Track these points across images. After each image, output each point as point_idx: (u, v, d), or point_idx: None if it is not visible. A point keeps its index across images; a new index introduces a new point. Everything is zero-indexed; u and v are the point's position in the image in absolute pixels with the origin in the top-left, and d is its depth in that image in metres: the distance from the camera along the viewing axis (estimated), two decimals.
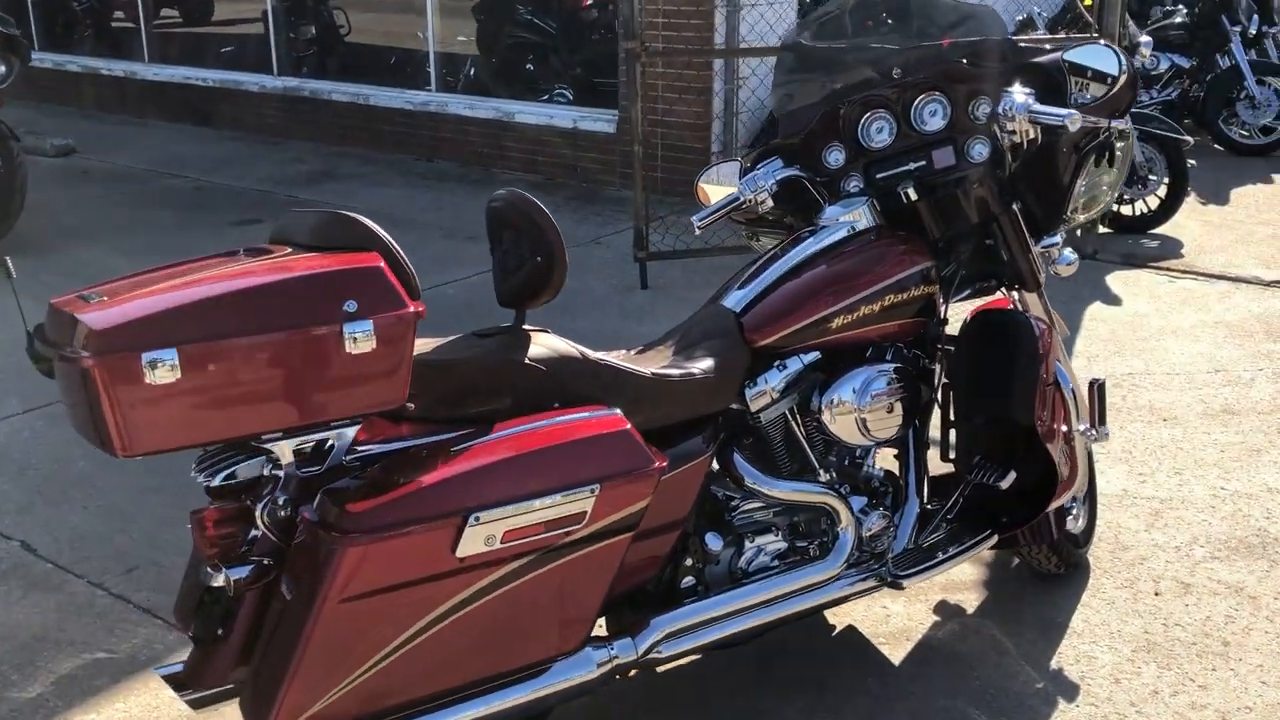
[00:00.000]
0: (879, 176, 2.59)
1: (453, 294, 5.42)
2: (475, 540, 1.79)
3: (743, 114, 7.23)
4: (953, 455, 2.66)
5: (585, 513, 1.89)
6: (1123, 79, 2.36)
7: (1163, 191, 5.99)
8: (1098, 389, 2.58)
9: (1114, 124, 2.29)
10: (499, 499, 1.81)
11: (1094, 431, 2.58)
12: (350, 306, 1.74)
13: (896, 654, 2.66)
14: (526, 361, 2.04)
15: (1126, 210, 6.07)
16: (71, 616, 2.80)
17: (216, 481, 1.89)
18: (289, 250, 1.89)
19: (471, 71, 8.90)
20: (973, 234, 2.61)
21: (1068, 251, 2.68)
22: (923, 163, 2.55)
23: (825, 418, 2.38)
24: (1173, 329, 4.67)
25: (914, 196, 2.55)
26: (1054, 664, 2.61)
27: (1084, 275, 5.45)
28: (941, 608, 2.82)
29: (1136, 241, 5.97)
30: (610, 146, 7.53)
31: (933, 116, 2.53)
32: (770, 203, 2.61)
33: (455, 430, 1.98)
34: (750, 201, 2.61)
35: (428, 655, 1.83)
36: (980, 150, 2.51)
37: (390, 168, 8.23)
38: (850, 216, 2.54)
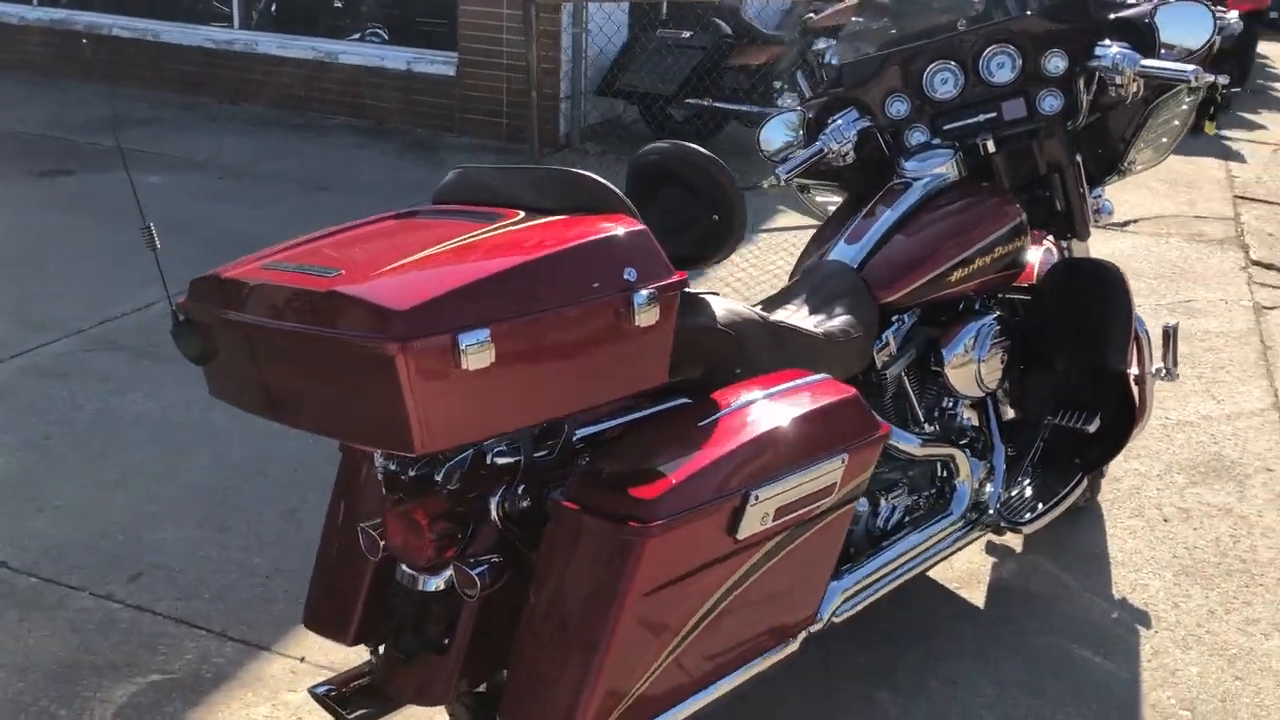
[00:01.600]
0: (946, 128, 2.60)
1: None
2: (754, 520, 1.69)
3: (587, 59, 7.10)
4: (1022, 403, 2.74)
5: (835, 484, 1.81)
6: (1216, 39, 2.47)
7: None
8: (1173, 332, 2.72)
9: (1221, 80, 2.40)
10: (772, 475, 1.70)
11: (1167, 372, 2.72)
12: (630, 275, 1.58)
13: (976, 597, 2.73)
14: (719, 327, 1.93)
15: None
16: (95, 636, 2.43)
17: (440, 474, 1.69)
18: (520, 214, 1.69)
19: (272, 7, 8.26)
20: (1032, 185, 2.68)
21: (1107, 201, 2.79)
22: (993, 114, 2.57)
23: (948, 370, 2.39)
24: None
25: (992, 149, 2.58)
26: (1116, 594, 2.76)
27: None
28: (993, 549, 2.92)
29: None
30: (449, 90, 7.20)
31: (1000, 69, 2.56)
32: (853, 154, 2.57)
33: (657, 403, 1.85)
34: (833, 153, 2.56)
35: (701, 643, 1.71)
36: (1052, 103, 2.55)
37: (190, 112, 7.54)
38: (943, 169, 2.54)
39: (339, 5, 8.28)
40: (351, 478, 1.96)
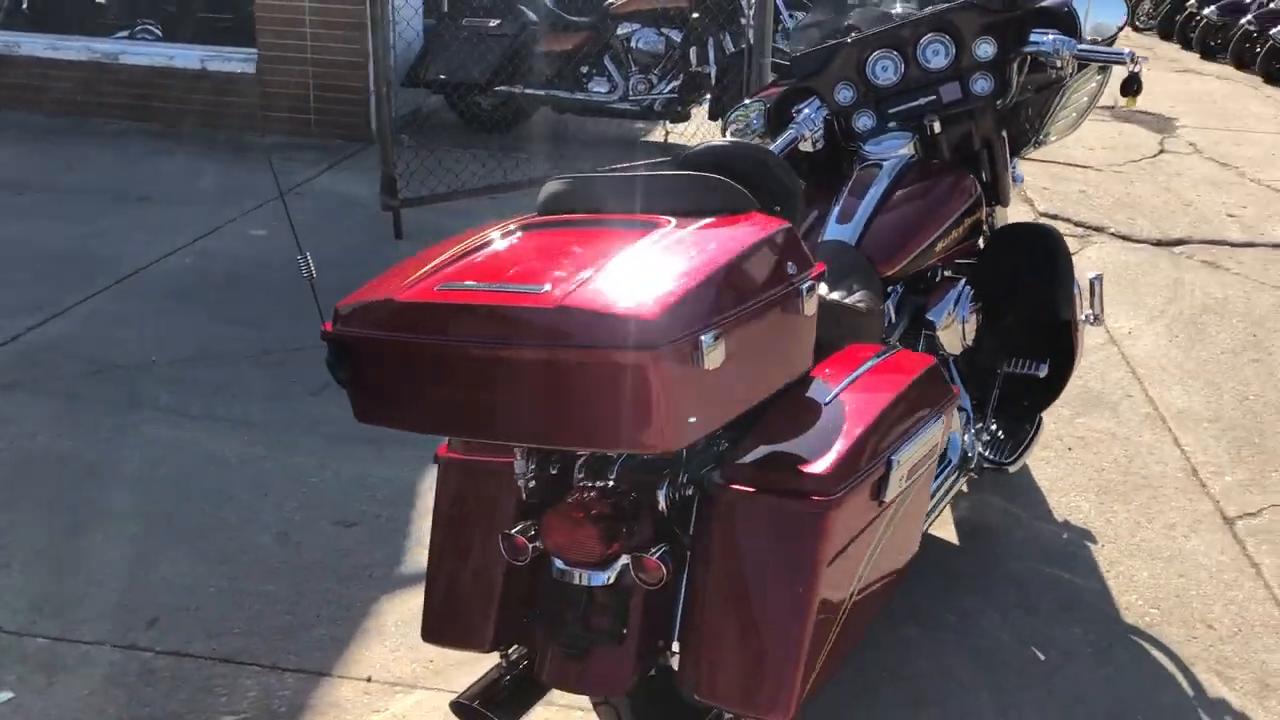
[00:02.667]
0: (891, 112, 2.85)
1: (193, 263, 4.80)
2: (895, 483, 1.85)
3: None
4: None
5: (938, 442, 2.01)
6: (1125, 22, 2.82)
7: None
8: (1097, 282, 3.07)
9: (1141, 60, 2.74)
10: (905, 441, 1.88)
11: (1095, 318, 3.07)
12: (791, 269, 1.71)
13: (951, 537, 3.02)
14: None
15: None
16: (141, 688, 2.31)
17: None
18: (670, 219, 1.77)
19: (23, 4, 7.60)
20: (965, 159, 2.97)
21: (1020, 171, 3.14)
22: (932, 98, 2.84)
23: (940, 332, 2.64)
24: None
25: (938, 129, 2.85)
26: (1059, 518, 3.12)
27: None
28: None
29: None
30: (250, 88, 6.89)
31: (936, 55, 2.82)
32: (822, 140, 2.78)
33: None
34: (805, 140, 2.76)
35: (857, 603, 1.86)
36: (984, 85, 2.84)
37: None
38: (906, 150, 2.78)
39: (102, 1, 7.72)
40: (464, 492, 1.98)
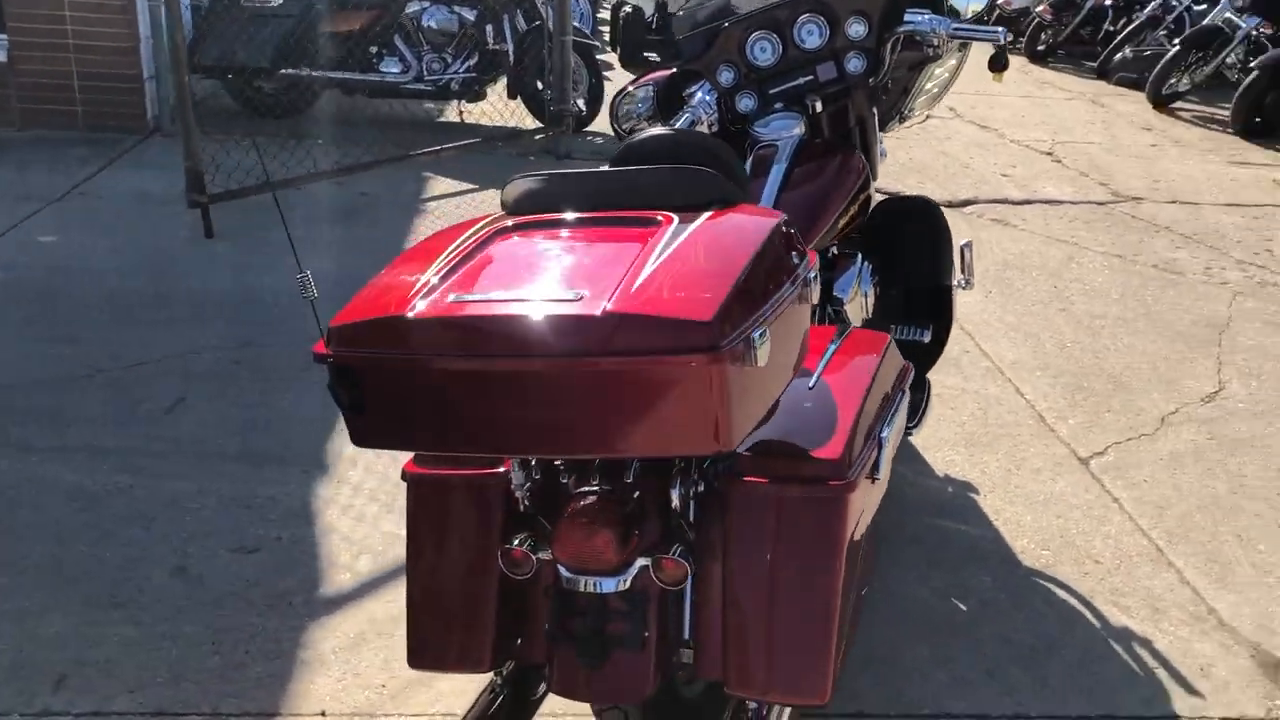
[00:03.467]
0: (772, 92, 2.91)
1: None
2: (886, 460, 1.91)
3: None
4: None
5: (905, 415, 2.08)
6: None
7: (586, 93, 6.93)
8: (967, 249, 3.23)
9: (1006, 36, 2.90)
10: (887, 418, 1.93)
11: (966, 282, 3.23)
12: (795, 258, 1.73)
13: None
14: None
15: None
16: None
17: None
18: (674, 215, 1.75)
19: None
20: (846, 137, 3.07)
21: (884, 145, 3.27)
22: (810, 77, 2.92)
23: (847, 306, 2.73)
24: None
25: (820, 108, 2.93)
26: (940, 472, 3.30)
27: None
28: None
29: (588, 139, 6.80)
30: (1, 79, 6.24)
31: (810, 35, 2.91)
32: (717, 123, 2.81)
33: None
34: (701, 122, 2.78)
35: (860, 580, 1.91)
36: (857, 64, 2.94)
37: None
38: (798, 130, 2.84)
39: None
40: (443, 507, 1.89)
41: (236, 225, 5.00)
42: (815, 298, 1.76)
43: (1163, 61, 9.03)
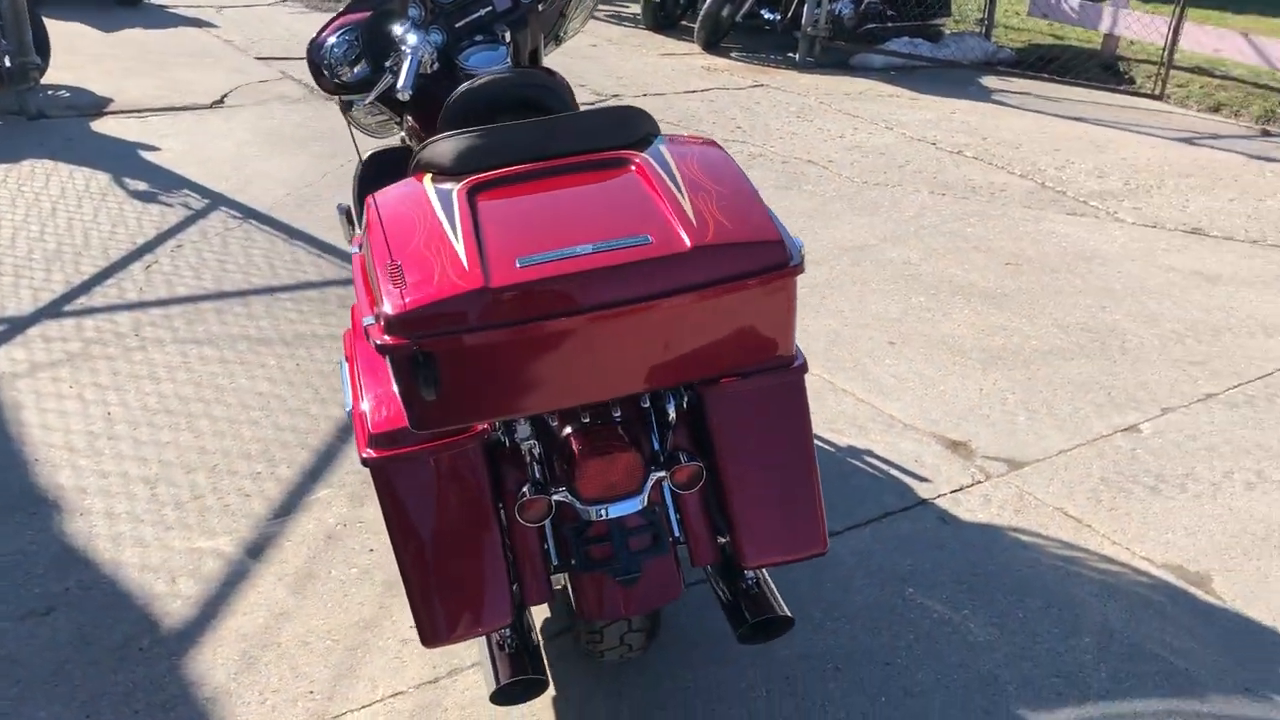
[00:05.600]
0: (459, 25, 3.01)
1: None
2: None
3: None
4: None
5: None
6: None
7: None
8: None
9: None
10: None
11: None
12: None
13: None
14: None
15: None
16: None
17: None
18: (624, 150, 1.87)
19: None
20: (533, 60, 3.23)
21: None
22: (489, 8, 3.05)
23: None
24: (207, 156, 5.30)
25: (510, 37, 3.06)
26: None
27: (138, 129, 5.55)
28: None
29: (53, 94, 6.04)
30: None
31: None
32: (437, 62, 2.85)
33: None
34: (424, 63, 2.80)
35: None
36: None
37: None
38: (508, 60, 2.96)
39: None
40: (426, 483, 1.89)
41: None
42: None
43: None
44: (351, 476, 2.90)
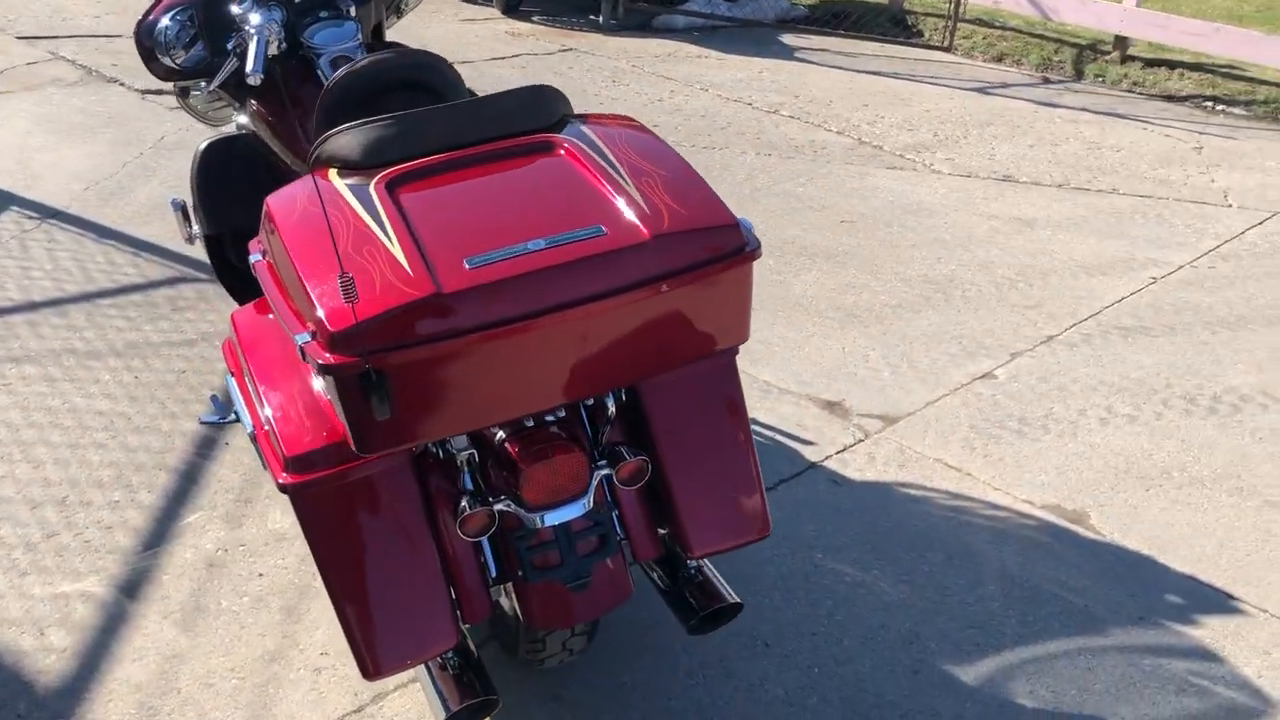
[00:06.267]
0: (299, 1, 2.81)
1: None
2: None
3: None
4: None
5: None
6: None
7: None
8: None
9: None
10: None
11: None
12: None
13: None
14: None
15: None
16: None
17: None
18: (545, 134, 1.77)
19: None
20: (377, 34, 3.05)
21: None
22: None
23: None
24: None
25: (354, 11, 2.88)
26: None
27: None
28: None
29: None
30: None
31: None
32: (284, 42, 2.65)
33: None
34: (272, 42, 2.60)
35: None
36: None
37: None
38: (360, 36, 2.78)
39: None
40: (353, 506, 1.76)
41: None
42: None
43: None
44: (222, 497, 2.68)
